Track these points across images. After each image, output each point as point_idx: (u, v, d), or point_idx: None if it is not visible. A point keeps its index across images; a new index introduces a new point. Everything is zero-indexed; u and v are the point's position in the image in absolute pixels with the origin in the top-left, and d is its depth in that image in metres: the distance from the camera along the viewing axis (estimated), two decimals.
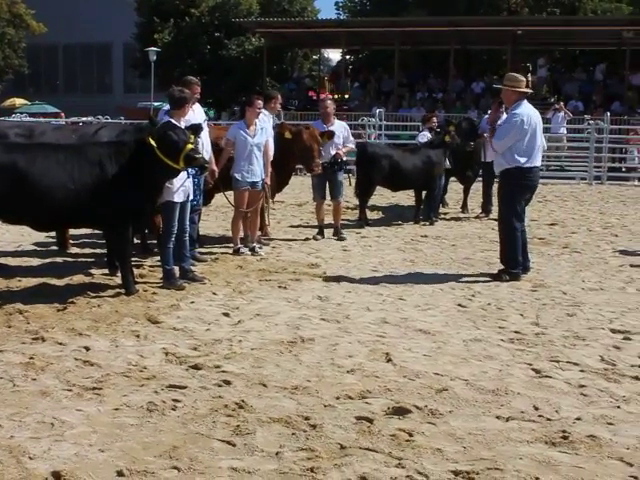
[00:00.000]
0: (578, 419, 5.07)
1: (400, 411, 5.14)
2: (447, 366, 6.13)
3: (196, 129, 8.57)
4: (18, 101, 45.36)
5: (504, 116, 12.58)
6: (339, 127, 12.50)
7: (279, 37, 37.98)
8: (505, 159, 9.49)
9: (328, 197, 12.48)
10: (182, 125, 8.49)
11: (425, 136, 15.17)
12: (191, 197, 9.11)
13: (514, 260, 9.53)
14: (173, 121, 8.46)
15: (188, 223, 9.19)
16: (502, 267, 9.63)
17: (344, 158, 12.40)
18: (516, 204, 9.54)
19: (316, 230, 12.71)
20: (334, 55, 47.80)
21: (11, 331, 6.93)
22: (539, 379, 5.87)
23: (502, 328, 7.31)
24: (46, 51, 55.49)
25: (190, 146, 8.18)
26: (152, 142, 8.03)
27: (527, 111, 9.45)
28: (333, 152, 12.16)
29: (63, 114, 36.20)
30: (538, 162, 9.53)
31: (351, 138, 12.76)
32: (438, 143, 14.30)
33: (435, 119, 15.93)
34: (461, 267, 10.16)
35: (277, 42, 38.86)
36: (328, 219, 12.80)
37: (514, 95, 9.58)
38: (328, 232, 12.60)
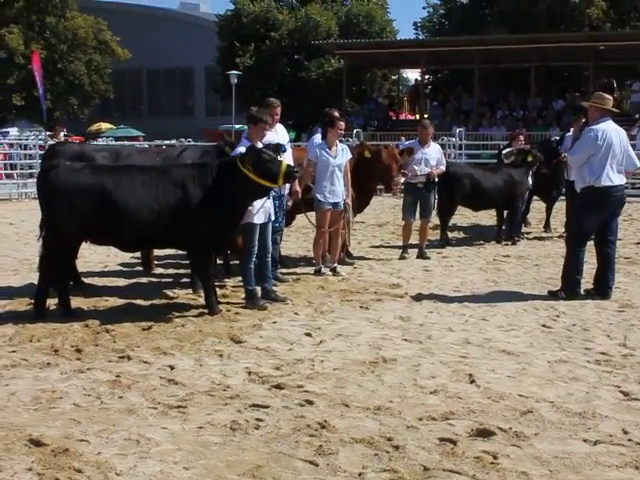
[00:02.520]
0: None
1: (484, 433, 5.07)
2: (532, 388, 6.03)
3: (277, 148, 8.66)
4: (104, 125, 46.59)
5: None
6: (435, 149, 12.62)
7: (358, 58, 38.17)
8: (580, 177, 9.43)
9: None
10: (260, 146, 8.62)
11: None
12: (272, 218, 9.20)
13: (572, 280, 9.41)
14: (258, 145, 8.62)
15: (270, 244, 9.29)
16: (592, 286, 9.55)
17: (436, 179, 12.41)
18: (584, 224, 9.42)
19: (399, 250, 12.69)
20: (413, 75, 47.79)
21: (98, 349, 7.07)
22: (628, 402, 5.73)
23: (588, 349, 7.16)
24: (130, 76, 56.91)
25: (286, 164, 8.36)
26: (243, 168, 8.14)
27: (604, 127, 9.28)
28: (427, 171, 12.20)
29: (142, 138, 36.93)
30: (615, 181, 9.29)
31: (444, 161, 12.78)
32: (520, 162, 14.16)
33: (522, 137, 15.75)
34: (545, 287, 9.98)
35: (356, 63, 39.08)
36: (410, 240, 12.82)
37: (597, 112, 9.44)
38: (409, 253, 12.56)
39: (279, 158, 8.48)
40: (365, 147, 12.09)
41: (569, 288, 9.40)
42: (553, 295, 9.42)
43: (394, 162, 11.62)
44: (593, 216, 9.36)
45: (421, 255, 12.48)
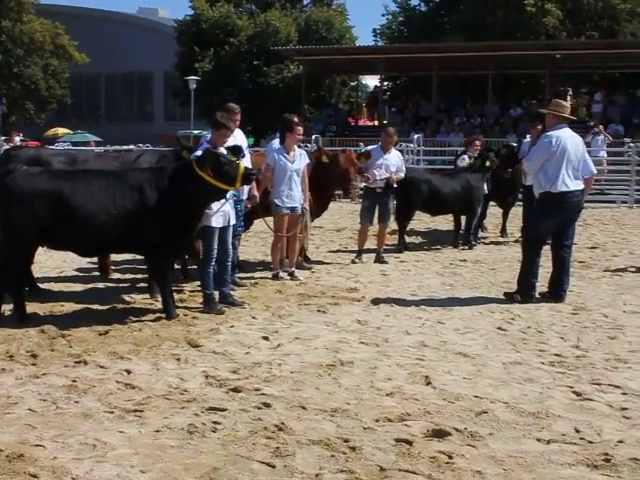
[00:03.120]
0: (620, 442, 5.02)
1: (440, 433, 5.13)
2: (487, 389, 6.11)
3: (236, 150, 8.67)
4: (61, 130, 46.20)
5: None
6: (395, 156, 12.71)
7: (317, 64, 38.27)
8: (537, 183, 9.59)
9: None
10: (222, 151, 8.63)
11: (464, 160, 15.19)
12: (233, 222, 9.20)
13: (527, 284, 9.54)
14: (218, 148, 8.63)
15: (231, 248, 9.30)
16: (547, 289, 9.69)
17: (395, 184, 12.49)
18: (539, 229, 9.58)
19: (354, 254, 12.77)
20: (372, 81, 48.04)
21: (54, 354, 7.02)
22: (580, 402, 5.82)
23: (542, 351, 7.26)
24: (88, 81, 56.55)
25: (243, 166, 8.39)
26: (200, 171, 8.14)
27: (560, 133, 9.43)
28: (386, 176, 12.29)
29: (93, 143, 36.63)
30: (571, 187, 9.41)
31: (403, 167, 12.87)
32: (478, 168, 14.31)
33: (478, 143, 15.93)
34: (500, 291, 10.09)
35: (315, 69, 39.17)
36: (366, 244, 12.89)
37: (554, 119, 9.59)
38: (366, 257, 12.62)
39: (237, 161, 8.50)
40: (323, 152, 12.16)
41: (524, 291, 9.52)
42: (509, 297, 9.54)
43: (351, 166, 11.71)
44: (550, 221, 9.49)
45: (379, 259, 12.55)
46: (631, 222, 19.42)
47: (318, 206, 11.96)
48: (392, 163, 12.44)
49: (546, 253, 9.82)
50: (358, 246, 12.84)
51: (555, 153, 9.31)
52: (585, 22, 39.66)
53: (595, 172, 10.23)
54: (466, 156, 15.37)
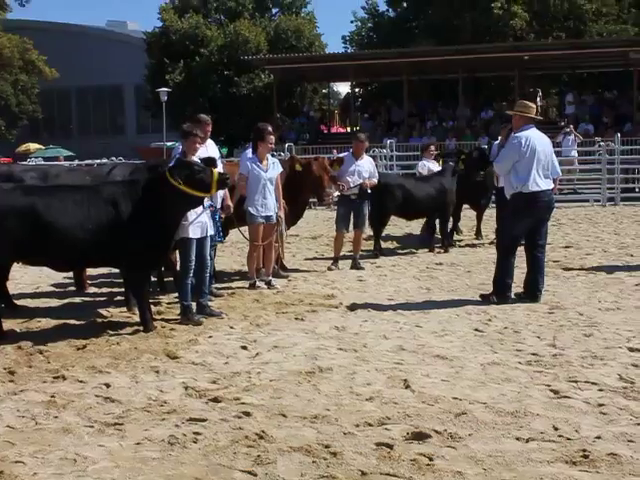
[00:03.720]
0: (598, 438, 5.07)
1: (420, 436, 5.16)
2: (465, 390, 6.15)
3: (209, 162, 8.68)
4: (32, 146, 45.90)
5: None
6: (367, 162, 12.76)
7: (288, 73, 38.33)
8: (508, 184, 9.67)
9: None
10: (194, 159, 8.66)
11: (425, 166, 15.34)
12: (210, 232, 9.21)
13: (503, 285, 9.63)
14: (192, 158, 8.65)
15: (209, 259, 9.31)
16: (522, 290, 9.78)
17: (369, 190, 12.54)
18: (512, 230, 9.67)
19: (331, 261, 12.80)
20: (343, 88, 48.20)
21: (32, 371, 6.99)
22: (558, 400, 5.88)
23: (519, 351, 7.32)
24: (59, 96, 56.18)
25: (216, 171, 8.41)
26: (173, 180, 8.14)
27: (528, 134, 9.54)
28: (359, 182, 12.36)
29: (62, 158, 36.43)
30: (542, 186, 9.51)
31: (376, 173, 12.92)
32: (454, 171, 14.48)
33: (433, 147, 16.10)
34: (477, 293, 10.15)
35: (286, 77, 39.23)
36: (343, 251, 12.94)
37: (521, 120, 9.69)
38: (343, 264, 12.66)
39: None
40: (295, 160, 12.21)
41: (500, 292, 9.59)
42: (485, 299, 9.61)
43: (325, 173, 11.76)
44: (523, 221, 9.57)
45: (355, 266, 12.59)
46: (603, 220, 19.60)
47: (294, 214, 11.99)
48: (365, 169, 12.49)
49: (520, 254, 9.89)
50: (334, 253, 12.87)
51: (525, 154, 9.40)
52: (552, 23, 40.06)
53: (561, 174, 10.34)
54: (425, 162, 15.51)
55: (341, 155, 13.06)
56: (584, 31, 39.56)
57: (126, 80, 53.76)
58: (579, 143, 27.60)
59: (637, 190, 26.38)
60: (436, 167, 15.39)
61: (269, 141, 10.87)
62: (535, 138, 9.55)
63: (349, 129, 38.58)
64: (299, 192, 11.85)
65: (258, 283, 10.95)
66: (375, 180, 12.73)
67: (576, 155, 27.20)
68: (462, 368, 6.78)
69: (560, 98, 38.56)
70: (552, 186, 9.75)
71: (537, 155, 9.44)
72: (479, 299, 9.70)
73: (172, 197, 8.21)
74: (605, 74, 38.81)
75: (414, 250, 14.57)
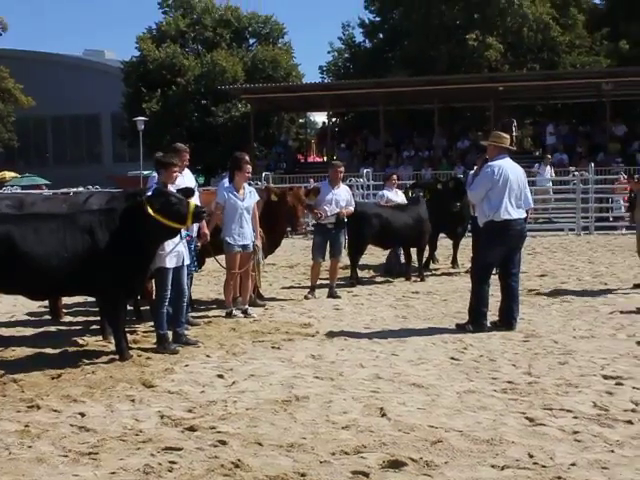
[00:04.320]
0: (573, 465, 5.11)
1: (396, 464, 5.17)
2: (441, 418, 6.16)
3: (187, 192, 8.70)
4: (8, 174, 45.64)
5: None
6: (344, 191, 12.92)
7: (265, 102, 38.48)
8: (481, 212, 9.77)
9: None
10: (171, 189, 8.67)
11: (384, 196, 15.43)
12: (187, 262, 9.22)
13: (479, 313, 9.69)
14: (167, 187, 8.66)
15: (185, 288, 9.30)
16: (497, 318, 9.82)
17: (345, 219, 12.62)
18: (486, 258, 9.77)
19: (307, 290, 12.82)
20: (320, 118, 48.33)
21: (6, 400, 6.94)
22: (533, 427, 5.91)
23: (495, 379, 7.36)
24: (35, 124, 55.96)
25: (193, 203, 8.44)
26: (151, 210, 8.15)
27: (501, 163, 9.66)
28: (337, 211, 12.44)
29: (43, 186, 36.37)
30: (514, 215, 9.60)
31: (353, 201, 13.01)
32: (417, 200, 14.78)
33: (395, 177, 16.29)
34: (453, 321, 10.20)
35: (263, 107, 39.37)
36: (319, 279, 12.98)
37: (496, 150, 9.82)
38: (320, 292, 12.69)
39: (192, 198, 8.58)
40: (271, 190, 12.33)
41: (476, 321, 9.65)
42: (460, 328, 9.65)
43: (299, 203, 11.89)
44: (495, 249, 9.66)
45: (331, 294, 12.62)
46: (578, 249, 19.77)
47: (271, 243, 12.03)
48: (342, 198, 12.59)
49: (495, 282, 9.96)
50: (311, 282, 12.90)
51: (498, 182, 9.51)
52: (526, 54, 40.53)
53: (532, 205, 10.49)
54: (385, 191, 15.63)
55: (317, 184, 13.15)
56: (558, 62, 40.05)
57: (103, 109, 53.65)
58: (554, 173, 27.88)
59: (611, 219, 26.65)
60: (396, 197, 15.43)
61: (246, 170, 10.93)
62: (508, 167, 9.66)
63: (326, 158, 38.68)
64: (276, 221, 11.92)
65: (235, 312, 10.94)
66: (352, 208, 12.81)
67: (551, 185, 27.47)
68: (438, 396, 6.80)
69: (535, 128, 38.90)
70: (524, 215, 9.88)
71: (510, 184, 9.54)
72: (455, 328, 9.74)
73: (149, 226, 8.21)
74: (578, 105, 39.23)
75: (390, 279, 14.60)
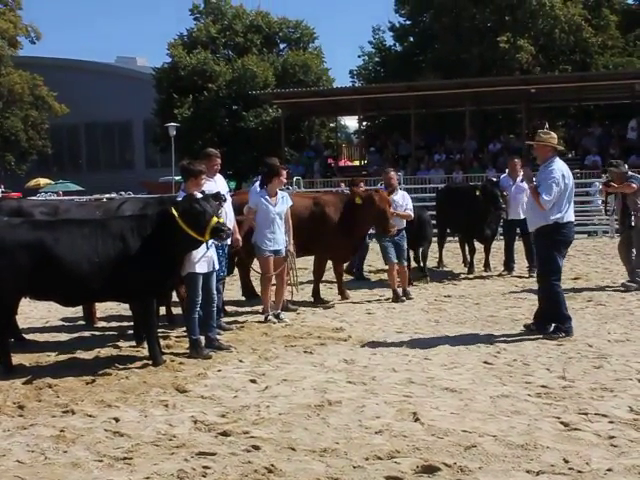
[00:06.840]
0: (609, 470, 5.05)
1: (429, 469, 5.14)
2: (475, 423, 6.13)
3: (217, 197, 8.71)
4: (42, 181, 46.21)
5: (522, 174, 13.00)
6: (402, 196, 13.15)
7: (296, 107, 38.49)
8: (543, 216, 9.37)
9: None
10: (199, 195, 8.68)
11: None
12: (217, 267, 9.24)
13: (563, 316, 9.45)
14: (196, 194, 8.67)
15: (215, 293, 9.32)
16: (532, 322, 9.70)
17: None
18: (555, 261, 9.44)
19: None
20: (351, 122, 48.35)
21: (41, 405, 7.01)
22: (568, 432, 5.86)
23: (529, 383, 7.30)
24: (68, 131, 56.57)
25: (216, 219, 8.35)
26: (175, 214, 8.20)
27: (562, 166, 9.47)
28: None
29: (61, 192, 36.81)
30: (572, 217, 9.52)
31: (410, 206, 13.13)
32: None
33: (362, 183, 16.27)
34: (485, 325, 10.15)
35: (294, 112, 39.39)
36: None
37: (548, 151, 9.53)
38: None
39: (216, 210, 8.51)
40: (356, 193, 12.32)
41: (564, 323, 9.42)
42: (550, 337, 9.29)
43: (388, 205, 12.09)
44: (559, 252, 9.43)
45: (406, 295, 12.74)
46: (612, 252, 19.45)
47: (350, 247, 12.19)
48: (399, 204, 12.75)
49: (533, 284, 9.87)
50: (392, 286, 12.82)
51: (568, 186, 9.36)
52: (558, 56, 40.27)
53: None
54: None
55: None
56: (590, 64, 39.76)
57: (135, 115, 54.07)
58: (587, 174, 27.61)
59: None
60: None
61: (283, 176, 11.02)
62: (567, 170, 9.49)
63: (357, 162, 38.63)
64: (357, 225, 12.02)
65: (269, 317, 10.94)
66: (411, 213, 12.93)
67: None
68: (471, 401, 6.76)
69: (567, 130, 38.56)
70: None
71: (572, 186, 9.42)
72: (487, 332, 9.66)
73: (175, 232, 8.24)
74: (611, 106, 38.86)
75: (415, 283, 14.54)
